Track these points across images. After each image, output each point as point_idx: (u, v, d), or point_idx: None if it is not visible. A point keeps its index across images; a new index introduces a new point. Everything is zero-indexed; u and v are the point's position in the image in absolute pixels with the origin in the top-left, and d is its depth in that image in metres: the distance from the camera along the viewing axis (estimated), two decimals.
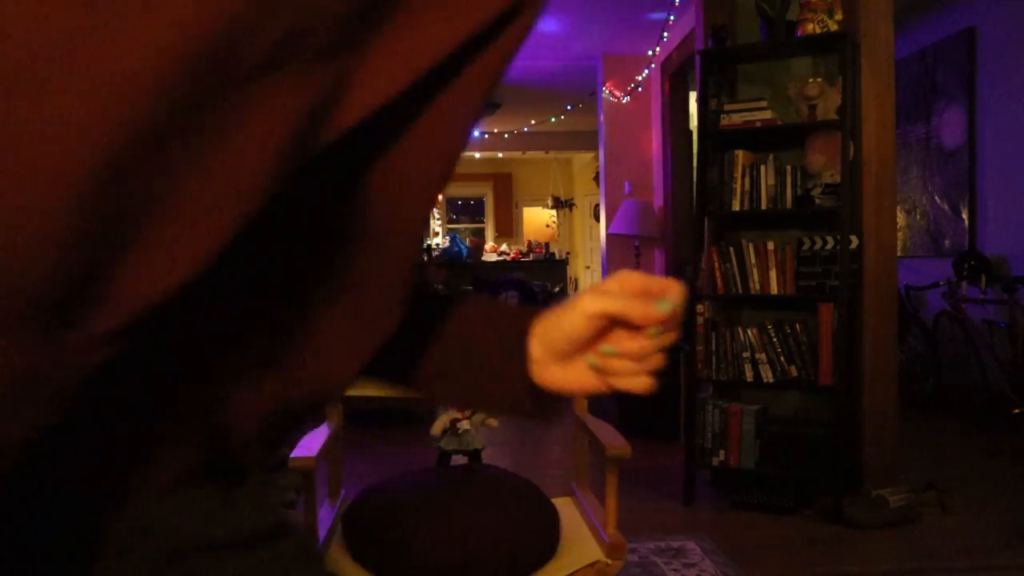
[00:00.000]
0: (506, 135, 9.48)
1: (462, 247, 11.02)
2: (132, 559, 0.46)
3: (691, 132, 6.26)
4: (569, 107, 8.19)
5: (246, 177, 0.33)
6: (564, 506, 1.75)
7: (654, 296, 0.53)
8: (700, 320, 3.14)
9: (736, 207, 3.13)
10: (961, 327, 4.60)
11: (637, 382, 0.55)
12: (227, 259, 0.34)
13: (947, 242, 5.25)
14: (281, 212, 0.37)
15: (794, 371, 3.02)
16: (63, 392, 0.32)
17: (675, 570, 2.48)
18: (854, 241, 3.04)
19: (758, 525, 2.93)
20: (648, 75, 6.60)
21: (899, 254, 3.35)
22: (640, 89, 6.74)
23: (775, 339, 3.05)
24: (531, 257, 10.88)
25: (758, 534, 2.84)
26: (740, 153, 3.12)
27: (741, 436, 3.08)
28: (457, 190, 12.82)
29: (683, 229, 6.12)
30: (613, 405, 4.63)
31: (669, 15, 5.51)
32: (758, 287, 3.09)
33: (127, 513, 0.45)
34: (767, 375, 3.06)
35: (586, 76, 7.33)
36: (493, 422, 1.71)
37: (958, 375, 4.77)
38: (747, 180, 3.11)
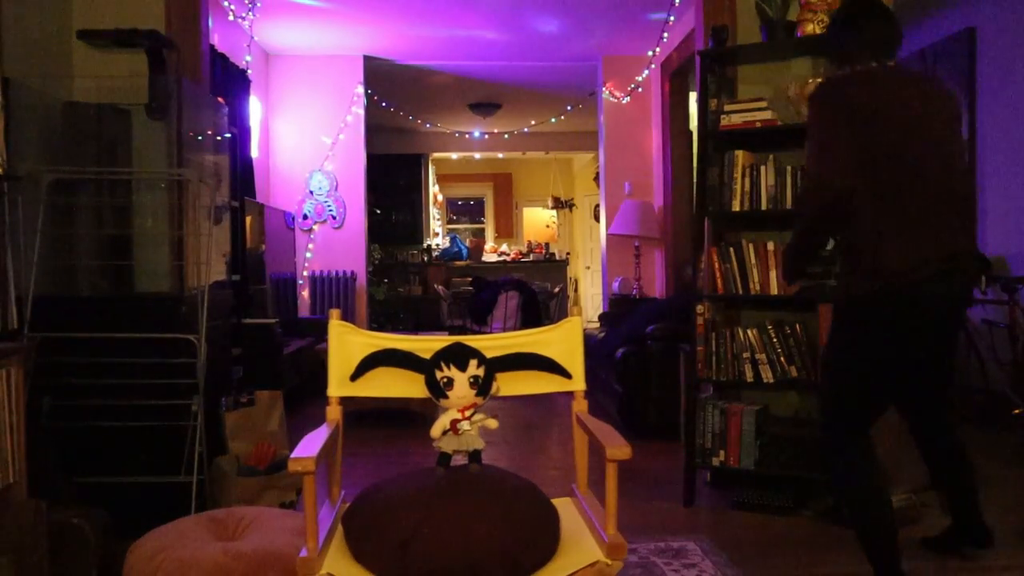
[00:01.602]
0: (506, 135, 9.49)
1: (462, 247, 11.02)
2: None
3: (691, 132, 6.26)
4: (569, 107, 8.19)
5: None
6: (564, 506, 1.75)
7: None
8: (700, 320, 3.14)
9: (736, 207, 3.13)
10: (961, 327, 4.60)
11: None
12: None
13: None
14: None
15: (794, 371, 3.02)
16: None
17: (675, 570, 2.48)
18: None
19: (758, 525, 2.93)
20: (648, 75, 6.60)
21: None
22: (640, 89, 6.74)
23: (775, 339, 3.04)
24: (531, 257, 10.88)
25: (758, 534, 2.83)
26: (740, 153, 3.12)
27: (741, 436, 3.08)
28: (457, 190, 12.82)
29: (683, 229, 6.12)
30: (613, 405, 4.62)
31: (669, 15, 5.51)
32: (758, 287, 3.09)
33: None
34: (767, 375, 3.06)
35: (586, 76, 7.33)
36: (493, 423, 1.71)
37: (958, 375, 4.76)
38: (747, 180, 3.11)
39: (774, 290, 3.06)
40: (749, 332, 3.08)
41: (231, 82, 5.14)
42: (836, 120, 2.15)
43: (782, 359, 3.04)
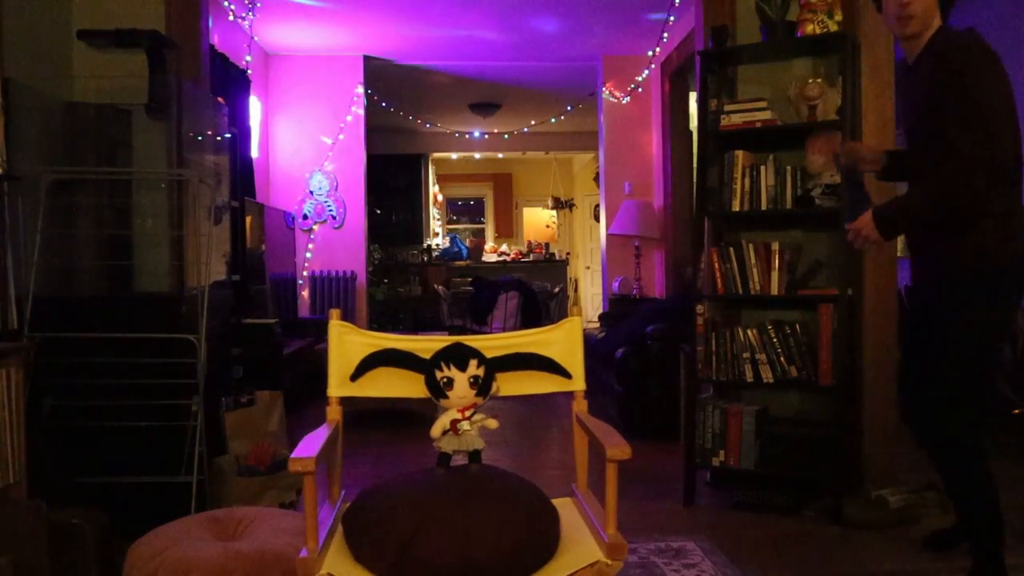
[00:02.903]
0: (506, 135, 9.48)
1: (462, 247, 11.02)
2: None
3: (691, 132, 6.26)
4: (569, 107, 8.19)
5: None
6: (564, 506, 1.75)
7: None
8: (700, 320, 3.14)
9: (736, 207, 3.13)
10: None
11: None
12: None
13: None
14: None
15: (794, 371, 3.02)
16: None
17: (675, 570, 2.48)
18: None
19: (758, 525, 2.93)
20: (648, 75, 6.60)
21: (899, 254, 3.35)
22: (640, 89, 6.74)
23: (775, 339, 3.04)
24: (531, 257, 10.88)
25: (758, 534, 2.84)
26: (740, 153, 3.12)
27: (741, 436, 3.08)
28: (457, 190, 12.81)
29: (683, 229, 6.11)
30: (613, 406, 4.63)
31: (669, 15, 5.52)
32: (758, 287, 3.09)
33: None
34: (767, 375, 3.06)
35: (586, 76, 7.33)
36: (493, 423, 1.71)
37: None
38: (747, 180, 3.11)
39: (774, 290, 3.06)
40: (749, 332, 3.08)
41: (231, 82, 5.14)
42: (1000, 78, 2.14)
43: (782, 359, 3.04)
